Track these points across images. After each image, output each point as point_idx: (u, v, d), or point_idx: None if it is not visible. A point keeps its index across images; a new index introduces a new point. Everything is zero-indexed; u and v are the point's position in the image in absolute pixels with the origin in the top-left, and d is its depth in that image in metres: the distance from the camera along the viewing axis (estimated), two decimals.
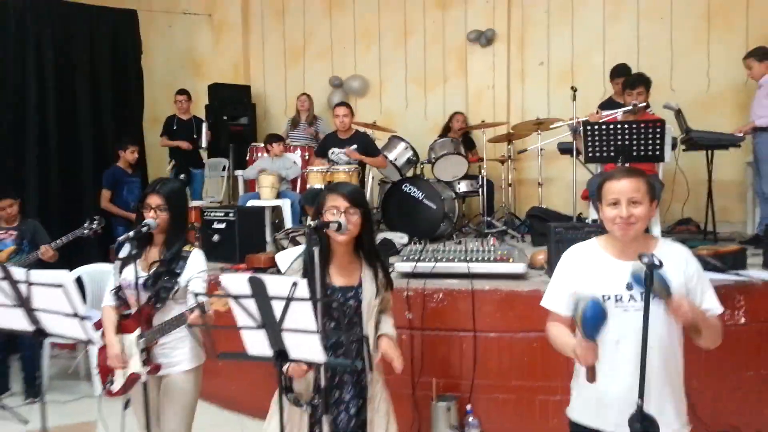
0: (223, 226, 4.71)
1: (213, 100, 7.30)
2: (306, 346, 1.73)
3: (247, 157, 6.72)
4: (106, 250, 6.04)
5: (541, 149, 6.03)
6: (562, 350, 2.01)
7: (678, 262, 1.94)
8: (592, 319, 1.74)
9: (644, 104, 4.42)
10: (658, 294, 1.78)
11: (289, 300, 1.65)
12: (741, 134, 4.67)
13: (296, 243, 4.52)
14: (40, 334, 2.13)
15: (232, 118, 7.35)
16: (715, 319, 1.94)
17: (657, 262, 1.69)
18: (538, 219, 5.05)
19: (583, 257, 2.06)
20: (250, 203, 5.52)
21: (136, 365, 2.47)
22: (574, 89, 5.19)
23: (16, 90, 5.64)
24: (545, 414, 3.37)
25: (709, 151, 4.84)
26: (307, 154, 6.46)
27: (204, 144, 6.71)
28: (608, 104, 5.56)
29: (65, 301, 1.97)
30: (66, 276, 1.98)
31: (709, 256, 3.66)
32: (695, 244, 4.27)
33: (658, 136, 4.03)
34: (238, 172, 6.76)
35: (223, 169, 7.17)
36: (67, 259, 4.49)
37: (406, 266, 3.74)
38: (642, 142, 4.09)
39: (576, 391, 2.09)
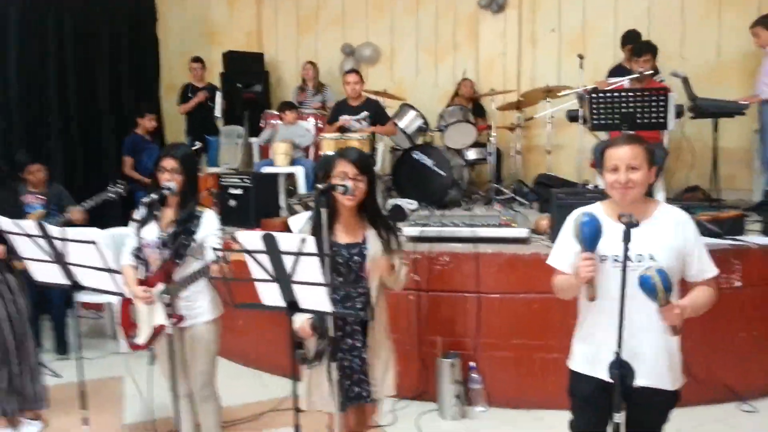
0: (239, 192, 4.88)
1: (227, 67, 7.40)
2: (314, 297, 1.91)
3: (261, 124, 6.85)
4: (127, 215, 6.27)
5: (551, 116, 6.11)
6: (567, 289, 2.17)
7: (675, 226, 2.06)
8: (589, 230, 1.94)
9: (650, 72, 4.47)
10: (654, 297, 1.89)
11: (298, 255, 1.82)
12: (746, 102, 4.71)
13: (308, 208, 4.69)
14: (75, 287, 2.33)
15: (246, 86, 7.43)
16: (708, 293, 2.07)
17: (635, 221, 1.83)
18: (545, 186, 5.16)
19: None
20: (265, 170, 5.68)
21: (160, 318, 2.66)
22: (581, 57, 5.23)
23: (37, 60, 5.78)
24: (544, 371, 3.55)
25: (715, 119, 4.89)
26: (320, 122, 6.57)
27: (218, 112, 6.83)
28: (618, 71, 5.58)
29: (97, 257, 2.16)
30: (98, 233, 2.17)
31: (708, 222, 3.78)
32: (698, 211, 4.38)
33: (662, 104, 4.10)
34: (253, 140, 6.90)
35: (238, 137, 7.31)
36: (91, 223, 4.69)
37: (414, 231, 3.91)
38: (646, 109, 4.16)
39: (577, 344, 2.25)
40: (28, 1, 5.72)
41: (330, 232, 2.31)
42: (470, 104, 6.71)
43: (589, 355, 2.17)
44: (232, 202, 4.88)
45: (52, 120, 5.90)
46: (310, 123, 6.53)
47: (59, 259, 2.29)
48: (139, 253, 2.73)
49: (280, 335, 4.20)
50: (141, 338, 2.78)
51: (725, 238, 3.66)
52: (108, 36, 6.53)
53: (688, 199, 5.68)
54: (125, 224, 5.54)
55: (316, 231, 2.17)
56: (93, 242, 2.13)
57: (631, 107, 4.18)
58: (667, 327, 1.96)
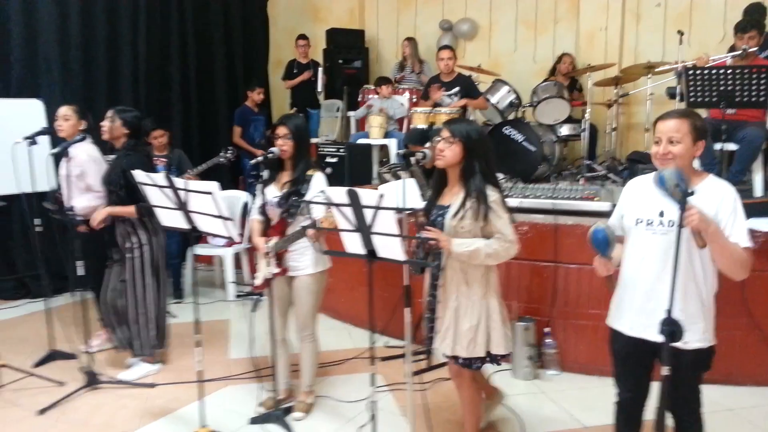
0: (335, 160, 5.24)
1: (330, 44, 7.78)
2: (390, 247, 2.17)
3: (359, 99, 7.18)
4: (236, 179, 6.87)
5: (651, 93, 5.97)
6: (598, 271, 2.36)
7: (715, 197, 2.13)
8: (597, 241, 2.22)
9: (754, 49, 4.31)
10: (672, 195, 1.98)
11: (376, 208, 2.09)
12: None
13: (398, 177, 4.96)
14: (194, 231, 2.75)
15: (347, 62, 7.79)
16: (738, 248, 2.10)
17: (689, 191, 1.94)
18: (636, 163, 5.10)
19: (636, 187, 2.35)
20: (359, 141, 6.01)
21: (271, 267, 3.06)
22: (681, 33, 5.08)
23: (161, 38, 6.41)
24: None
25: None
26: (414, 96, 6.80)
27: (320, 87, 7.22)
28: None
29: (213, 206, 2.55)
30: (215, 185, 2.55)
31: None
32: None
33: (763, 82, 3.96)
34: (351, 113, 7.26)
35: (337, 110, 7.70)
36: None
37: None
38: (746, 87, 4.03)
39: (614, 302, 2.41)
40: None
41: (438, 194, 2.62)
42: (567, 81, 6.66)
43: (616, 309, 2.36)
44: (329, 170, 5.24)
45: (174, 92, 6.54)
46: (404, 97, 6.78)
47: (182, 206, 2.71)
48: (263, 209, 3.13)
49: (366, 294, 4.58)
50: (258, 281, 3.19)
51: None
52: (223, 14, 7.09)
53: None
54: (233, 187, 6.15)
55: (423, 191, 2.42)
56: (210, 192, 2.52)
57: (729, 85, 4.07)
58: (693, 238, 2.02)
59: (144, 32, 6.15)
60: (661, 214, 2.18)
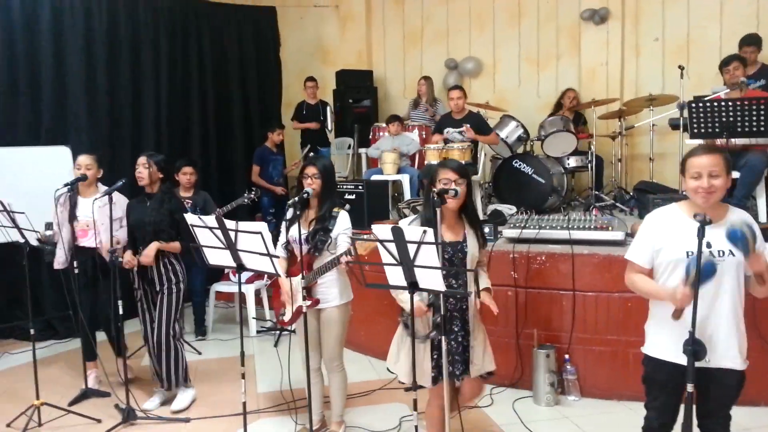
0: (353, 197, 5.43)
1: (339, 84, 8.06)
2: (431, 279, 2.33)
3: (370, 136, 7.41)
4: (253, 217, 7.06)
5: (653, 125, 6.19)
6: (650, 293, 2.45)
7: (743, 225, 2.25)
8: (706, 275, 2.16)
9: (743, 79, 4.55)
10: (742, 246, 2.14)
11: (420, 244, 2.25)
12: None
13: (416, 211, 5.14)
14: (242, 268, 2.92)
15: (356, 101, 8.05)
16: None
17: (708, 220, 2.10)
18: (644, 192, 5.28)
19: (665, 218, 2.44)
20: (374, 177, 6.21)
21: (300, 301, 3.21)
22: (681, 68, 5.33)
23: (183, 83, 6.70)
24: (636, 365, 3.70)
25: None
26: (424, 132, 7.03)
27: (329, 126, 7.47)
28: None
29: (261, 244, 2.72)
30: (263, 226, 2.73)
31: None
32: None
33: (762, 112, 4.17)
34: (362, 150, 7.49)
35: (348, 148, 7.93)
36: None
37: (513, 233, 4.25)
38: (747, 118, 4.24)
39: (653, 329, 2.50)
40: (175, 35, 6.65)
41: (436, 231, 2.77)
42: (572, 115, 6.90)
43: (670, 340, 2.36)
44: (347, 207, 5.41)
45: (194, 135, 6.81)
46: (414, 134, 7.01)
47: (231, 246, 2.88)
48: (287, 247, 3.29)
49: (385, 326, 4.68)
50: (286, 316, 3.34)
51: None
52: (239, 60, 7.40)
53: None
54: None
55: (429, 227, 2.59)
56: (260, 233, 2.70)
57: (731, 116, 4.28)
58: (755, 278, 2.22)
59: (166, 80, 6.46)
60: (709, 246, 2.27)
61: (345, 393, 3.49)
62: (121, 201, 4.03)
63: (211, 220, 2.87)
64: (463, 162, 5.12)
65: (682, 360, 2.28)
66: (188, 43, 6.83)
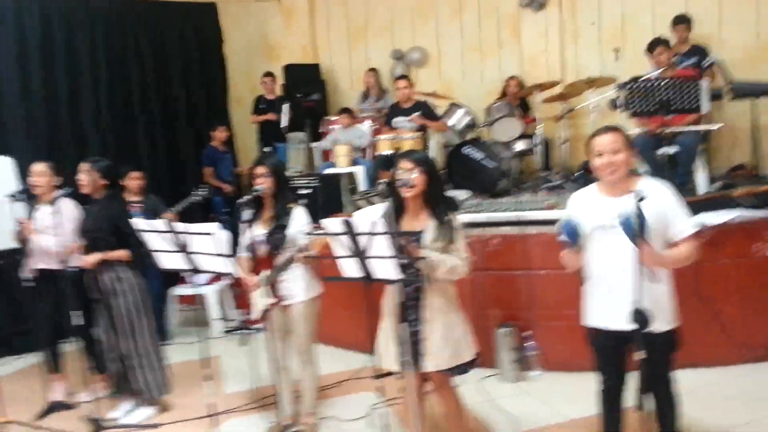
0: (307, 191, 5.46)
1: (287, 79, 8.01)
2: (385, 268, 2.41)
3: (321, 130, 7.42)
4: (208, 219, 6.97)
5: (594, 106, 6.42)
6: (568, 264, 2.65)
7: (656, 194, 2.44)
8: (568, 232, 2.46)
9: (673, 64, 4.83)
10: (631, 237, 2.24)
11: (371, 235, 2.32)
12: None
13: (371, 203, 5.21)
14: (195, 270, 2.92)
15: (305, 95, 8.02)
16: (685, 251, 2.45)
17: (645, 195, 2.24)
18: (588, 172, 5.48)
19: (583, 198, 2.65)
20: (328, 171, 6.24)
21: (266, 298, 3.23)
22: (616, 51, 5.56)
23: (123, 86, 6.55)
24: None
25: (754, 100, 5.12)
26: (376, 124, 7.08)
27: (284, 122, 7.41)
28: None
29: (213, 245, 2.73)
30: (215, 227, 2.74)
31: (742, 196, 4.09)
32: (738, 187, 4.66)
33: (693, 89, 4.41)
34: (314, 144, 7.49)
35: (301, 142, 7.90)
36: None
37: (467, 217, 4.36)
38: (680, 96, 4.48)
39: (586, 301, 2.71)
40: (112, 35, 6.47)
41: (398, 221, 2.80)
42: (517, 101, 7.07)
43: (592, 309, 2.62)
44: (302, 201, 5.44)
45: (139, 137, 6.67)
46: (365, 125, 7.06)
47: (183, 248, 2.88)
48: (250, 247, 3.30)
49: (351, 317, 4.74)
50: (254, 315, 3.36)
51: (761, 209, 3.95)
52: (180, 57, 7.26)
53: (734, 177, 5.91)
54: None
55: (387, 217, 2.66)
56: (211, 234, 2.70)
57: (665, 94, 4.51)
58: (646, 271, 2.31)
59: (105, 82, 6.31)
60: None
61: (316, 386, 3.55)
62: (73, 208, 3.94)
63: (160, 223, 2.86)
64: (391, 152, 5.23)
65: (612, 326, 2.53)
66: (126, 43, 6.67)
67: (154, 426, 3.76)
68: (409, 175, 2.72)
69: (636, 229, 2.22)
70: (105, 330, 3.82)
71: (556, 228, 2.53)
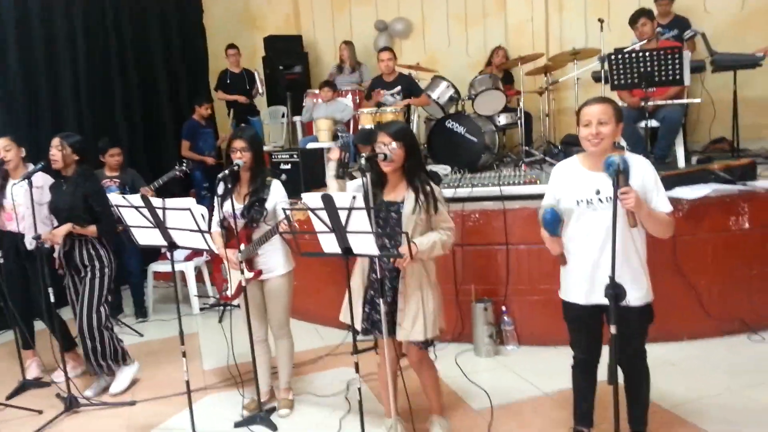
0: (288, 166, 5.39)
1: (269, 51, 7.87)
2: (364, 243, 2.37)
3: (303, 104, 7.30)
4: (188, 193, 6.90)
5: (577, 78, 6.35)
6: (549, 248, 2.65)
7: (637, 170, 2.43)
8: (547, 222, 2.47)
9: (656, 36, 4.77)
10: (611, 174, 2.24)
11: (350, 209, 2.29)
12: (761, 54, 4.88)
13: (352, 177, 5.14)
14: (173, 246, 2.87)
15: (287, 67, 7.89)
16: (664, 215, 2.43)
17: (622, 168, 2.21)
18: (571, 145, 5.46)
19: (564, 171, 2.62)
20: (310, 145, 6.16)
21: (243, 273, 3.19)
22: (601, 21, 5.47)
23: (102, 58, 6.38)
24: None
25: (735, 72, 5.08)
26: (357, 97, 6.99)
27: (261, 90, 7.24)
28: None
29: (191, 221, 2.67)
30: (192, 201, 2.68)
31: (720, 170, 4.07)
32: (717, 160, 4.65)
33: (677, 61, 4.36)
34: (296, 118, 7.38)
35: (282, 116, 7.80)
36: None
37: (447, 192, 4.32)
38: (663, 67, 4.42)
39: (561, 276, 2.70)
40: (90, 7, 6.29)
41: (380, 192, 2.79)
42: (501, 72, 6.99)
43: (569, 283, 2.61)
44: (283, 176, 5.38)
45: (118, 111, 6.52)
46: (348, 99, 6.96)
47: (159, 224, 2.82)
48: (223, 222, 3.25)
49: (330, 293, 4.71)
50: (230, 291, 3.33)
51: (735, 183, 3.94)
52: (160, 29, 7.10)
53: (713, 150, 5.90)
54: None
55: (365, 192, 2.62)
56: (188, 209, 2.65)
57: (648, 66, 4.45)
58: (627, 216, 2.31)
59: (83, 54, 6.14)
60: (598, 192, 2.46)
61: (292, 360, 3.54)
62: (48, 184, 3.87)
63: (136, 199, 2.80)
64: (371, 126, 5.17)
65: (588, 301, 2.54)
66: (105, 13, 6.47)
67: (131, 403, 3.74)
68: (387, 149, 2.69)
69: (620, 168, 2.23)
70: (75, 307, 3.78)
71: (539, 216, 2.53)
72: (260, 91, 7.31)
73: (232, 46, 7.34)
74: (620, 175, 2.24)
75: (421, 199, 2.72)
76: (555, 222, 2.49)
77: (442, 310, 2.90)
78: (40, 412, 3.66)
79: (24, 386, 4.02)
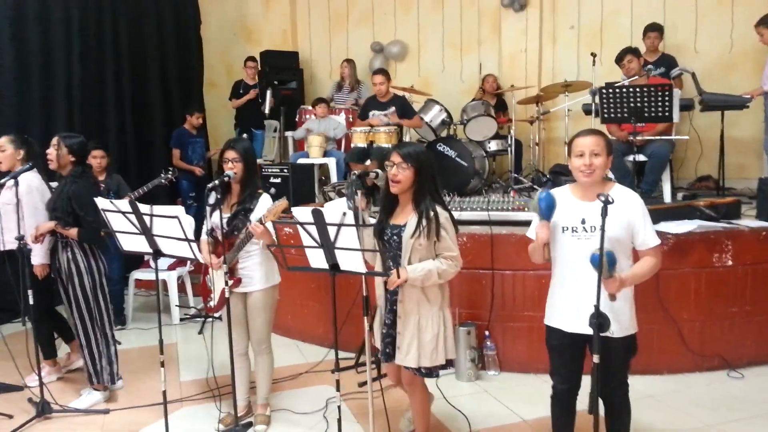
0: (278, 180, 5.38)
1: (264, 65, 7.90)
2: (352, 260, 2.37)
3: (297, 119, 7.33)
4: (174, 202, 6.86)
5: (568, 110, 6.46)
6: (533, 253, 2.61)
7: (625, 203, 2.47)
8: (543, 201, 2.43)
9: (646, 72, 4.87)
10: (598, 270, 2.21)
11: (339, 226, 2.28)
12: (749, 96, 5.00)
13: (341, 195, 5.16)
14: (158, 254, 2.84)
15: (282, 83, 7.94)
16: (648, 267, 2.47)
17: (611, 200, 2.23)
18: (559, 175, 5.52)
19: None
20: (300, 161, 6.17)
21: (223, 282, 3.16)
22: (593, 55, 5.58)
23: (96, 64, 6.35)
24: None
25: (723, 112, 5.19)
26: (350, 116, 7.03)
27: (267, 109, 7.31)
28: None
29: (178, 229, 2.65)
30: (180, 209, 2.66)
31: (705, 207, 4.14)
32: (702, 197, 4.73)
33: (666, 98, 4.45)
34: (288, 133, 7.40)
35: (275, 131, 7.81)
36: None
37: None
38: (653, 103, 4.51)
39: (548, 301, 2.70)
40: (88, 12, 6.28)
41: (390, 214, 2.79)
42: (494, 99, 7.08)
43: (555, 310, 2.61)
44: (273, 190, 5.36)
45: (109, 116, 6.48)
46: (341, 117, 7.00)
47: (146, 231, 2.80)
48: (212, 233, 3.23)
49: (312, 310, 4.68)
50: (213, 302, 3.30)
51: (720, 221, 4.00)
52: (157, 37, 7.10)
53: (698, 187, 6.01)
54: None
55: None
56: (176, 217, 2.63)
57: (638, 102, 4.54)
58: (607, 294, 2.32)
59: (78, 57, 6.11)
60: (583, 222, 2.48)
61: (271, 376, 3.50)
62: (37, 184, 3.82)
63: (123, 204, 2.78)
64: (390, 146, 5.18)
65: (571, 329, 2.53)
66: (103, 19, 6.47)
67: (105, 411, 3.67)
68: (397, 168, 2.68)
69: (605, 265, 2.21)
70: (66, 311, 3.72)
71: (534, 199, 2.48)
72: (266, 109, 7.36)
73: (251, 58, 7.49)
74: (605, 270, 2.22)
75: (423, 224, 2.67)
76: (549, 205, 2.43)
77: (451, 340, 2.83)
78: (10, 416, 3.58)
79: None
